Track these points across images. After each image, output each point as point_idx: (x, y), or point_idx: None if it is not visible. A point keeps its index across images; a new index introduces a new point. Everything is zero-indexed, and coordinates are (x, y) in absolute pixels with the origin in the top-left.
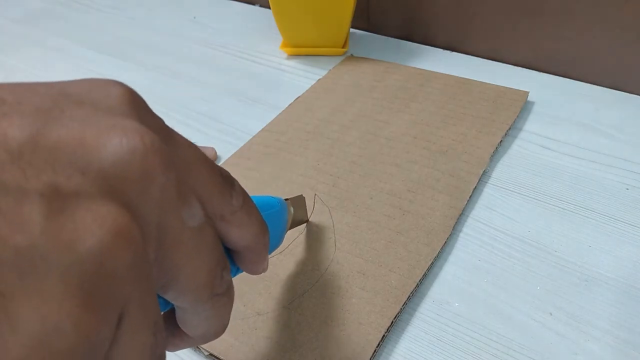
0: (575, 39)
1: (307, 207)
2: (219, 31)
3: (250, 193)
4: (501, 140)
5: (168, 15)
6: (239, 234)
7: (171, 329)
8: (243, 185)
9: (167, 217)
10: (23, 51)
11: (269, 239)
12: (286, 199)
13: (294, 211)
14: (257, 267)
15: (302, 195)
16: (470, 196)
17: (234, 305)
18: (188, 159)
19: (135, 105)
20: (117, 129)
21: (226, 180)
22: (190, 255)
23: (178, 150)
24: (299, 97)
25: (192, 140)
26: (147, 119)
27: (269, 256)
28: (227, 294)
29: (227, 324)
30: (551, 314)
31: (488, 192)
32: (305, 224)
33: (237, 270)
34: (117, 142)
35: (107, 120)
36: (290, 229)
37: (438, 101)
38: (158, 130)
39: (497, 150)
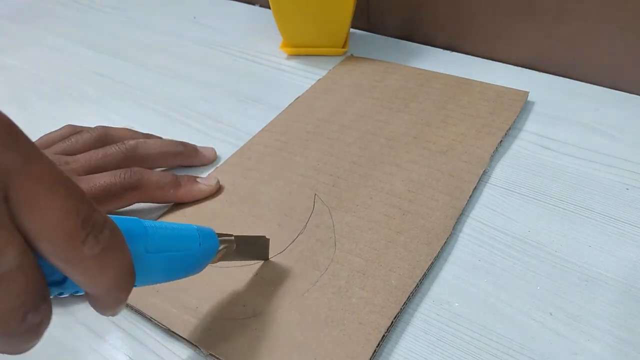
0: (575, 39)
1: (269, 249)
2: (219, 31)
3: (249, 193)
4: (501, 140)
5: (168, 15)
6: (84, 282)
7: None
8: (242, 185)
9: None
10: (23, 51)
11: (129, 292)
12: (228, 236)
13: (240, 249)
14: (103, 312)
15: (265, 236)
16: (470, 196)
17: (233, 305)
18: (35, 198)
19: None
20: None
21: (86, 225)
22: None
23: (27, 186)
24: (299, 97)
25: (192, 141)
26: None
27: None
28: (31, 331)
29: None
30: (551, 314)
31: (488, 192)
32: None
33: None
34: None
35: None
36: (230, 259)
37: (438, 101)
38: (6, 167)
39: (497, 150)
